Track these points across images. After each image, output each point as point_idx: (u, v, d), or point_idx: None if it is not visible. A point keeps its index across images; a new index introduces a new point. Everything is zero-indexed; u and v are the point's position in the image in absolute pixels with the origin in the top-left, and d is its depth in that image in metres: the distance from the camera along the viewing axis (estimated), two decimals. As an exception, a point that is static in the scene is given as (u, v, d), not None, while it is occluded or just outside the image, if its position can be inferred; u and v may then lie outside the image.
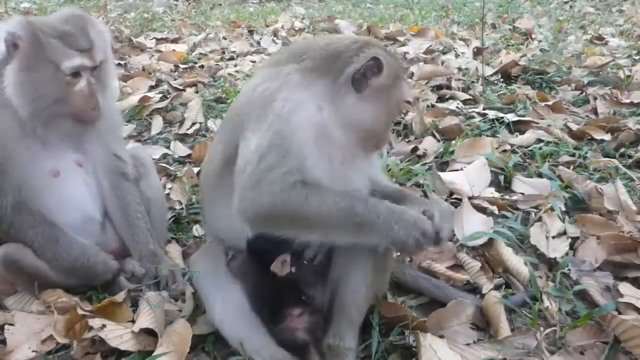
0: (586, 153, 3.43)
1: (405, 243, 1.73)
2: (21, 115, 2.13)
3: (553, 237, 2.59)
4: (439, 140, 3.73)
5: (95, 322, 1.96)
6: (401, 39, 7.03)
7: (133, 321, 2.09)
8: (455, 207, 2.87)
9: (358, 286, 1.95)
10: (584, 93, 4.65)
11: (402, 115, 4.02)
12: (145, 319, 2.04)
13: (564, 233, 2.61)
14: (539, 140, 3.61)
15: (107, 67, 2.34)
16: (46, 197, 2.25)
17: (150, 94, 4.62)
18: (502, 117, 3.96)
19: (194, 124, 4.22)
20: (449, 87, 4.92)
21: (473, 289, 2.38)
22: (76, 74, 2.16)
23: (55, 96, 2.16)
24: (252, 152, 1.80)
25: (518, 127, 3.88)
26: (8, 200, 2.17)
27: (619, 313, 2.10)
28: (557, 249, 2.52)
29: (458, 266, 2.52)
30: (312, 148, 1.82)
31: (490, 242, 2.57)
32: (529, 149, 3.52)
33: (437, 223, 1.78)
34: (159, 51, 6.51)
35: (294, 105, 1.82)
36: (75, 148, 2.35)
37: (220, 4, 11.77)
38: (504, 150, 3.49)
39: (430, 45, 6.52)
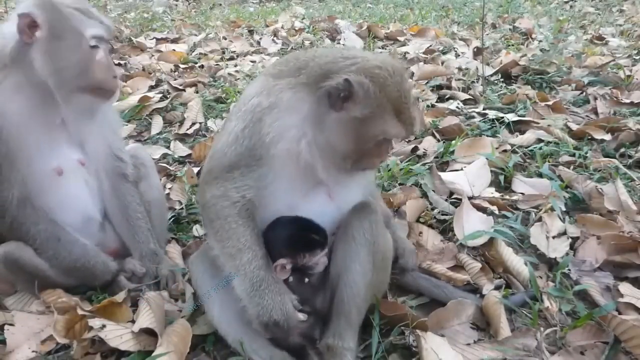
0: (586, 153, 3.42)
1: (254, 317, 1.79)
2: (49, 86, 2.16)
3: (553, 237, 2.59)
4: (439, 140, 3.73)
5: (95, 322, 1.96)
6: (401, 39, 7.04)
7: (133, 321, 2.09)
8: (455, 207, 2.88)
9: (357, 285, 1.93)
10: (584, 93, 4.65)
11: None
12: (145, 319, 2.04)
13: (564, 233, 2.61)
14: (539, 140, 3.60)
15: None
16: (49, 195, 2.26)
17: (150, 94, 4.62)
18: (502, 117, 3.96)
19: (194, 124, 4.22)
20: (449, 87, 4.92)
21: (473, 289, 2.38)
22: (94, 46, 2.22)
23: (79, 66, 2.19)
24: (224, 152, 1.92)
25: (518, 127, 3.88)
26: (14, 193, 2.18)
27: (619, 313, 2.11)
28: (557, 249, 2.52)
29: (458, 267, 2.52)
30: (275, 176, 1.89)
31: (490, 242, 2.57)
32: (529, 149, 3.52)
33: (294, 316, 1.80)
34: (159, 51, 6.51)
35: (278, 131, 1.87)
36: (78, 147, 2.35)
37: (220, 4, 11.77)
38: (504, 150, 3.48)
39: (430, 45, 6.52)
